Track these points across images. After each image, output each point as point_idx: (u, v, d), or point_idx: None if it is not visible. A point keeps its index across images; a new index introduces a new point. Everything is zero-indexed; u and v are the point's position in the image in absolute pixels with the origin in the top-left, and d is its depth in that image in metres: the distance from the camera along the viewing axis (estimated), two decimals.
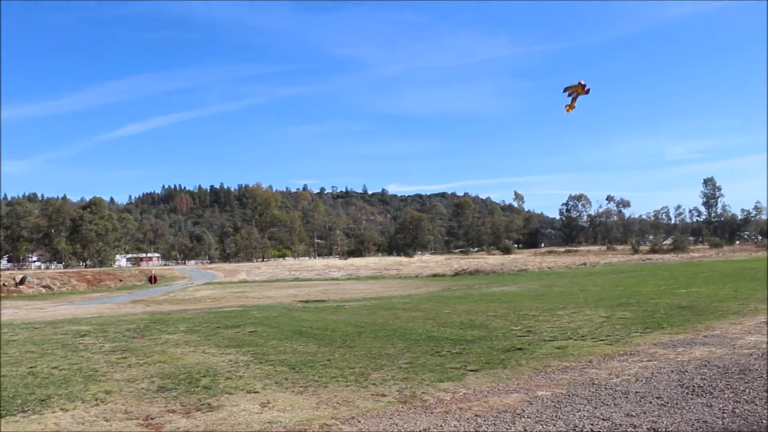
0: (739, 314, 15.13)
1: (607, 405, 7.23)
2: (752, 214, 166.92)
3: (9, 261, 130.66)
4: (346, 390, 8.59)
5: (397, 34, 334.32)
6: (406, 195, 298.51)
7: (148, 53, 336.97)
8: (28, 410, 7.97)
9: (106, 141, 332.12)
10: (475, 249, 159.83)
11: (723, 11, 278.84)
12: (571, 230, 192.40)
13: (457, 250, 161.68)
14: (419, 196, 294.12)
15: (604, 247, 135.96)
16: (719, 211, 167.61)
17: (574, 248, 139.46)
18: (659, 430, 6.22)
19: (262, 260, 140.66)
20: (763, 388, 7.68)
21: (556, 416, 6.87)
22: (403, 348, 12.01)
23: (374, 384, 8.88)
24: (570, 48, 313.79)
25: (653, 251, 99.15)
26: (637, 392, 7.76)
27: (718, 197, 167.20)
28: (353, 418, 7.21)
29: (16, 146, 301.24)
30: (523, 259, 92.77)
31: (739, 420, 6.48)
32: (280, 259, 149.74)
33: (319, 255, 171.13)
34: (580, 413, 6.94)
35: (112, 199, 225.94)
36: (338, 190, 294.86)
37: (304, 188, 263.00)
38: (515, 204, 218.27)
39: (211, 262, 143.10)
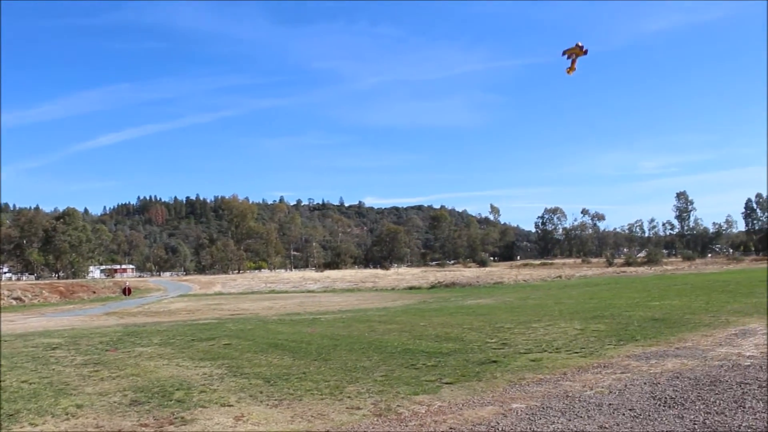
0: (711, 326, 15.30)
1: (581, 417, 7.28)
2: (723, 228, 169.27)
3: None
4: (320, 403, 8.56)
5: (373, 48, 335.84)
6: (383, 207, 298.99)
7: (123, 63, 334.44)
8: None
9: (81, 151, 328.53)
10: (452, 262, 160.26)
11: (696, 28, 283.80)
12: (546, 243, 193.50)
13: (434, 263, 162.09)
14: (396, 208, 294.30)
15: (579, 260, 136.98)
16: (692, 224, 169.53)
17: (550, 261, 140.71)
18: None
19: (238, 272, 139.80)
20: (733, 399, 7.77)
21: (530, 429, 6.90)
22: (379, 361, 11.99)
23: (349, 397, 8.86)
24: (545, 63, 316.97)
25: (627, 264, 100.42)
26: (610, 404, 7.81)
27: (691, 211, 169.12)
28: (328, 431, 7.19)
29: None
30: (499, 271, 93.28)
31: (710, 431, 6.56)
32: (256, 271, 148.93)
33: (295, 267, 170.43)
34: (554, 426, 6.98)
35: (86, 210, 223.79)
36: (315, 203, 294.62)
37: (281, 200, 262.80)
38: (491, 217, 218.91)
39: (186, 274, 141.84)
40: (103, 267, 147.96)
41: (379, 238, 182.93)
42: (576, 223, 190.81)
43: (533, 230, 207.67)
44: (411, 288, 59.36)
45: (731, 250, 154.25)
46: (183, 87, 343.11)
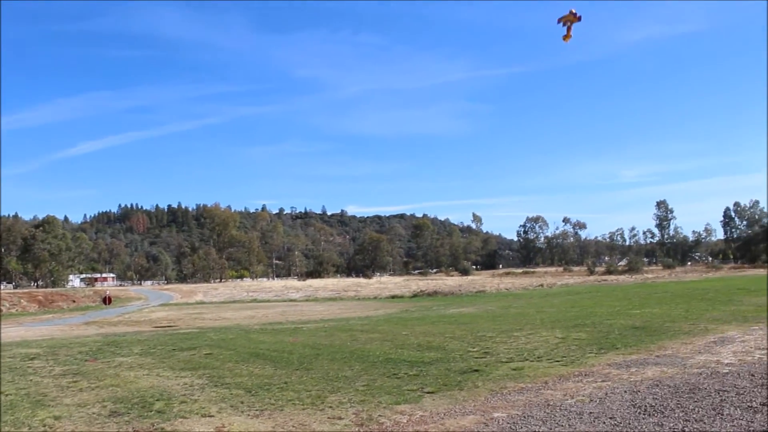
0: (690, 334, 15.46)
1: (562, 426, 7.31)
2: (703, 236, 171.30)
3: None
4: (302, 413, 8.53)
5: (356, 56, 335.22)
6: (365, 216, 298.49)
7: (105, 71, 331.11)
8: None
9: (61, 159, 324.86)
10: (434, 270, 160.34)
11: (676, 39, 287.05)
12: (528, 252, 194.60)
13: (416, 272, 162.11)
14: (378, 217, 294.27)
15: (561, 269, 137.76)
16: (671, 232, 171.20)
17: (532, 269, 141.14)
18: None
19: (220, 281, 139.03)
20: (712, 406, 7.85)
21: None
22: (361, 370, 11.98)
23: (331, 407, 8.83)
24: (527, 72, 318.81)
25: (609, 272, 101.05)
26: (591, 413, 7.86)
27: (671, 219, 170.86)
28: None
29: None
30: (481, 280, 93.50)
31: None
32: (238, 280, 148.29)
33: (277, 276, 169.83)
34: None
35: (66, 218, 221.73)
36: (297, 211, 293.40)
37: (263, 208, 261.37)
38: (473, 226, 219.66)
39: (167, 283, 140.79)
40: (83, 276, 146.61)
41: (361, 246, 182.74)
42: (558, 232, 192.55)
43: (515, 239, 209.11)
44: (393, 297, 59.29)
45: (710, 259, 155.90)
46: (164, 94, 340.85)
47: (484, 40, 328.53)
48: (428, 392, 9.60)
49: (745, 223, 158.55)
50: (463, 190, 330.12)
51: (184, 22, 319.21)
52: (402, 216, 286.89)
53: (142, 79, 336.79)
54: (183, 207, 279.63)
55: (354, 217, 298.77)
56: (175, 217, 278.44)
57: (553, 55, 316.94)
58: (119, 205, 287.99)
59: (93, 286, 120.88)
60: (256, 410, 8.81)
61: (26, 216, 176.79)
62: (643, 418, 7.47)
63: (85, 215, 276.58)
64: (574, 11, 12.24)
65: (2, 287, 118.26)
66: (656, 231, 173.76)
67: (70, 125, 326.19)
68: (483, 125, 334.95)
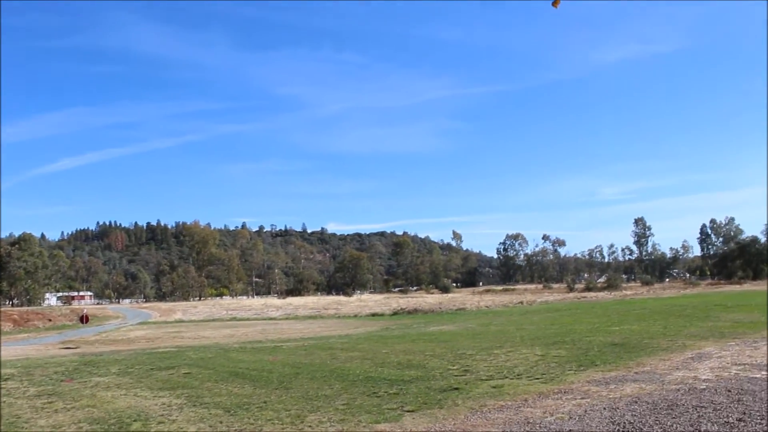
0: (668, 350, 15.59)
1: None
2: (680, 253, 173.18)
3: None
4: None
5: (337, 74, 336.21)
6: (346, 234, 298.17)
7: (84, 87, 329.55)
8: None
9: (38, 175, 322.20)
10: (414, 288, 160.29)
11: (653, 58, 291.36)
12: (508, 269, 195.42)
13: (396, 289, 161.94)
14: (358, 234, 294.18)
15: (540, 286, 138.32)
16: (650, 249, 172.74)
17: (512, 287, 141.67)
18: None
19: (199, 299, 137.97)
20: (689, 422, 7.91)
21: None
22: (340, 389, 11.93)
23: (310, 426, 8.79)
24: (508, 90, 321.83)
25: (588, 289, 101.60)
26: (570, 430, 7.88)
27: (649, 236, 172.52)
28: None
29: None
30: (462, 297, 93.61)
31: None
32: (218, 298, 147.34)
33: (257, 294, 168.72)
34: None
35: (43, 236, 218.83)
36: (277, 229, 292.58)
37: (243, 226, 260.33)
38: (454, 243, 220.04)
39: (146, 301, 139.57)
40: (59, 294, 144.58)
41: (341, 264, 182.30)
42: (537, 249, 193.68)
43: (495, 256, 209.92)
44: (373, 315, 59.14)
45: (688, 275, 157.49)
46: (144, 111, 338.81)
47: (464, 59, 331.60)
48: (408, 411, 9.58)
49: (721, 239, 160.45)
50: (443, 208, 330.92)
51: (166, 39, 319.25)
52: (382, 234, 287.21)
53: (123, 95, 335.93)
54: (162, 224, 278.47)
55: (334, 234, 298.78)
56: (154, 234, 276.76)
57: (534, 74, 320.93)
58: (97, 223, 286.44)
59: (70, 304, 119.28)
60: (235, 430, 8.74)
61: (2, 233, 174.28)
62: None
63: (62, 232, 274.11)
64: None
65: None
66: (634, 248, 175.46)
67: (49, 141, 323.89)
68: (463, 143, 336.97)
